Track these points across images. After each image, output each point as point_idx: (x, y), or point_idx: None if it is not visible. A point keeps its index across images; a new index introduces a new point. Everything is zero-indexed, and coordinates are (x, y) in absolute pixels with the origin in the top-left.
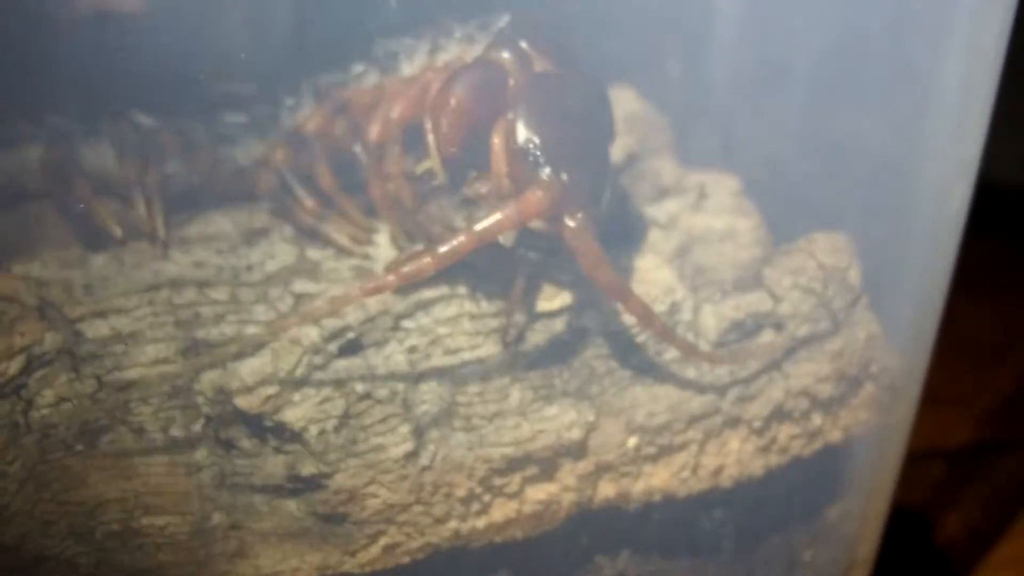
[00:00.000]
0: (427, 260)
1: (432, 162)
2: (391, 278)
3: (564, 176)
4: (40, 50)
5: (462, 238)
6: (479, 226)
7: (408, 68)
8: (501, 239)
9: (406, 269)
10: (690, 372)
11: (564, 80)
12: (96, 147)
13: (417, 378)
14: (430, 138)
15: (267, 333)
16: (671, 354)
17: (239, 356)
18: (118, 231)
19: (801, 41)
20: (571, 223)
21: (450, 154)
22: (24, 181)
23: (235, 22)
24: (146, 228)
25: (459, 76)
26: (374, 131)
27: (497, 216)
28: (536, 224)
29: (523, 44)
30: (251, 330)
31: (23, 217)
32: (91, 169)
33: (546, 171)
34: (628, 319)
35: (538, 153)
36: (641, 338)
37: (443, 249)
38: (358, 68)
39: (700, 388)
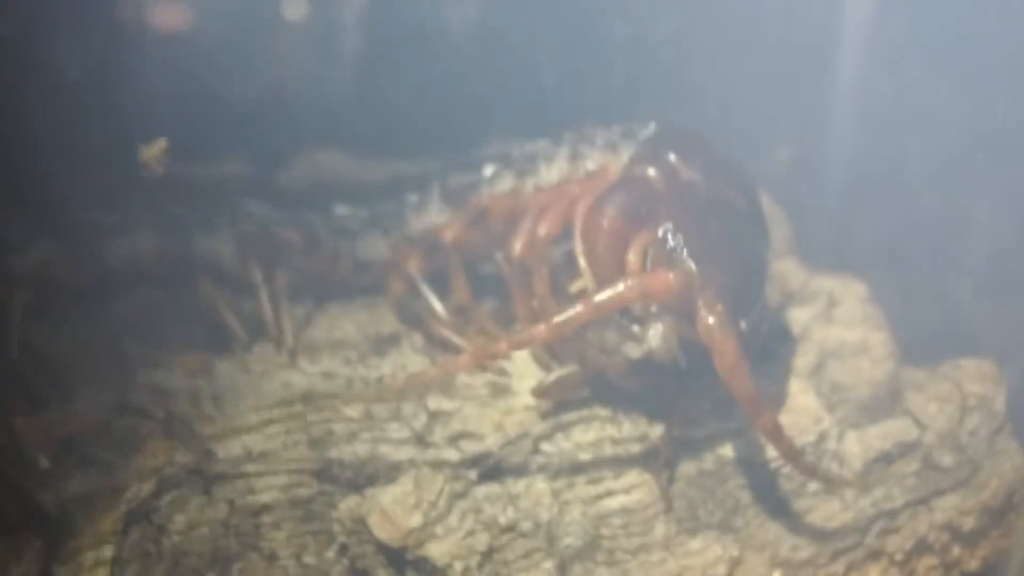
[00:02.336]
0: (541, 328)
1: (586, 283)
2: (503, 344)
3: (698, 264)
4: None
5: (579, 308)
6: (599, 296)
7: (547, 173)
8: (673, 359)
9: (518, 337)
10: (834, 504)
11: (707, 189)
12: (212, 236)
13: (560, 509)
14: (582, 261)
15: (380, 393)
16: (816, 484)
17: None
18: (243, 337)
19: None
20: (709, 317)
21: (604, 276)
22: (138, 270)
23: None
24: (272, 334)
25: (610, 197)
26: (519, 247)
27: (619, 288)
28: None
29: (671, 157)
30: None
31: (139, 307)
32: (206, 259)
33: (680, 256)
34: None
35: (670, 239)
36: (787, 469)
37: (559, 319)
38: (490, 168)
39: (844, 520)
